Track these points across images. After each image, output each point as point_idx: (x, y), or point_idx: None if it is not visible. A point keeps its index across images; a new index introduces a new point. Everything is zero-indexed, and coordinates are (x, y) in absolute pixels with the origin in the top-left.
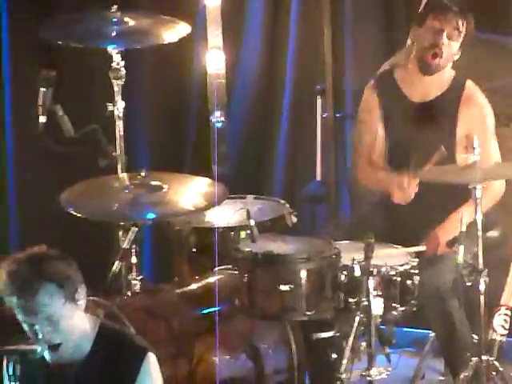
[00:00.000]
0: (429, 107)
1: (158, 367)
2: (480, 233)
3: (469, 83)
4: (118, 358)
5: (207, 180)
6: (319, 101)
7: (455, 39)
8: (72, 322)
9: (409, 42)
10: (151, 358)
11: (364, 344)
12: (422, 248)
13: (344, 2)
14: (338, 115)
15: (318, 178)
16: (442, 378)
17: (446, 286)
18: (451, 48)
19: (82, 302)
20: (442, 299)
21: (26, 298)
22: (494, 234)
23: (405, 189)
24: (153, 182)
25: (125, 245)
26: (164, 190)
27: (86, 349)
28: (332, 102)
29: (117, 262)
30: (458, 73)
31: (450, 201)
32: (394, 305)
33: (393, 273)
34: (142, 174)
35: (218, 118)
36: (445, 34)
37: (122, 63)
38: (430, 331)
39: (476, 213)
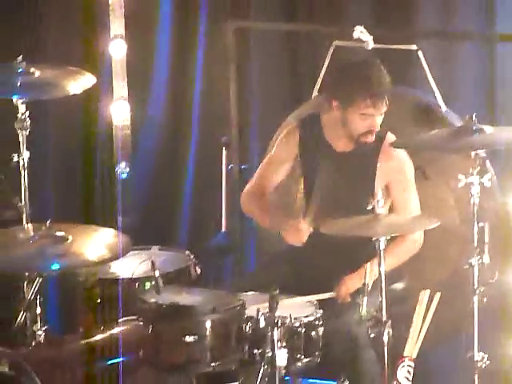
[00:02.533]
0: (349, 157)
1: None
2: (384, 284)
3: (389, 135)
4: None
5: (112, 231)
6: (224, 152)
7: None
8: None
9: (333, 103)
10: None
11: None
12: (328, 295)
13: (250, 55)
14: (243, 167)
15: (224, 229)
16: None
17: (352, 339)
18: (380, 120)
19: None
20: (348, 351)
21: None
22: (398, 286)
23: (299, 231)
24: (57, 233)
25: (29, 295)
26: (69, 240)
27: None
28: (237, 154)
29: (21, 313)
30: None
31: (359, 251)
32: (298, 356)
33: (297, 324)
34: (47, 225)
35: (122, 168)
36: (379, 117)
37: (27, 114)
38: (336, 382)
39: (380, 265)
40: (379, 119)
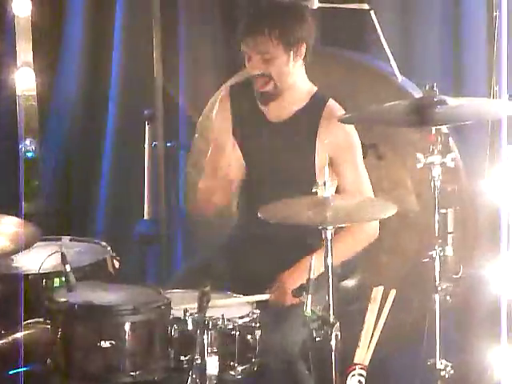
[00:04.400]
0: (284, 127)
1: None
2: (331, 281)
3: (331, 102)
4: None
5: (15, 219)
6: (147, 128)
7: (282, 62)
8: None
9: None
10: None
11: None
12: (265, 296)
13: (178, 19)
14: (169, 144)
15: (146, 216)
16: None
17: (293, 346)
18: (283, 72)
19: None
20: (288, 362)
21: None
22: (349, 282)
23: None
24: None
25: None
26: None
27: None
28: (163, 130)
29: None
30: (319, 89)
31: (303, 243)
32: (232, 363)
33: (231, 326)
34: None
35: (27, 146)
36: (259, 60)
37: None
38: None
39: (327, 257)
40: (278, 66)
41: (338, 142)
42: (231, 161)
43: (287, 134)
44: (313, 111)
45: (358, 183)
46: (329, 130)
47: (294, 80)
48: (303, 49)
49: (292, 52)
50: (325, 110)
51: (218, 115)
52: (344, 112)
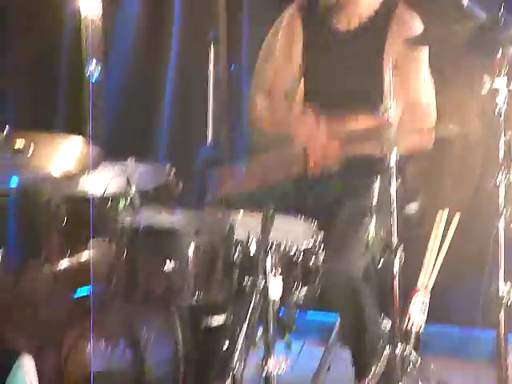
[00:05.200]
0: (353, 36)
1: (34, 371)
2: (395, 205)
3: (402, 7)
4: None
5: (81, 140)
6: (212, 50)
7: None
8: None
9: None
10: (25, 362)
11: (261, 331)
12: None
13: None
14: (233, 68)
15: (210, 140)
16: (351, 370)
17: (356, 271)
18: None
19: None
20: (351, 286)
21: None
22: (412, 206)
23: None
24: (17, 143)
25: None
26: (30, 151)
27: None
28: (226, 53)
29: None
30: None
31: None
32: (294, 287)
33: (294, 250)
34: (5, 133)
35: (93, 68)
36: None
37: None
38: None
39: (391, 183)
40: None
41: (406, 49)
42: (294, 78)
43: (355, 44)
44: (382, 17)
45: (415, 86)
46: (399, 31)
47: None
48: None
49: None
50: (395, 15)
51: (285, 31)
52: (415, 16)
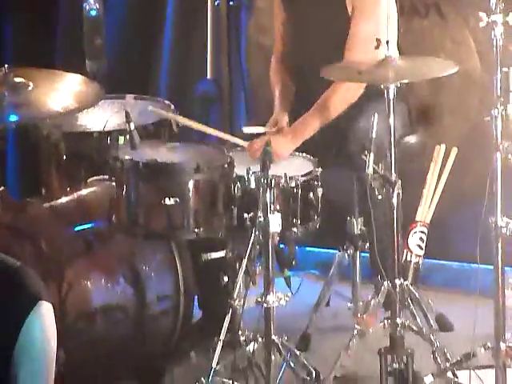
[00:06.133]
0: None
1: (52, 318)
2: (393, 138)
3: None
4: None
5: (80, 77)
6: None
7: None
8: None
9: None
10: (43, 309)
11: (260, 266)
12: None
13: None
14: (231, 3)
15: (209, 75)
16: (350, 305)
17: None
18: None
19: None
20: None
21: None
22: (410, 140)
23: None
24: (16, 79)
25: None
26: (29, 88)
27: None
28: None
29: None
30: None
31: None
32: (294, 221)
33: (293, 184)
34: (5, 69)
35: (91, 5)
36: None
37: None
38: (336, 251)
39: (389, 117)
40: None
41: None
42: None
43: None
44: None
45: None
46: None
47: None
48: None
49: None
50: None
51: None
52: None
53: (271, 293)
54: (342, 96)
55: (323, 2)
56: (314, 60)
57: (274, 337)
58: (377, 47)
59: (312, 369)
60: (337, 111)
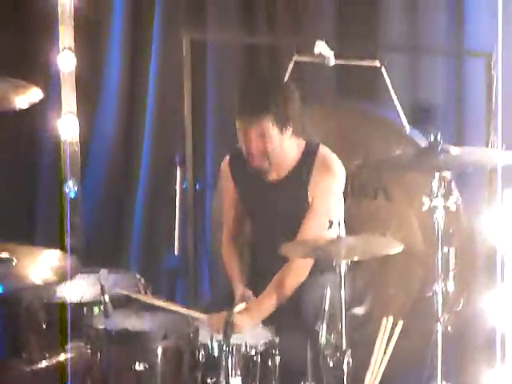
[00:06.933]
0: (283, 184)
1: None
2: (344, 310)
3: (322, 150)
4: None
5: (59, 253)
6: (178, 171)
7: (276, 140)
8: None
9: None
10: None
11: None
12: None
13: (207, 69)
14: (197, 187)
15: (176, 252)
16: None
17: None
18: (276, 148)
19: None
20: None
21: None
22: (359, 311)
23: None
24: (1, 255)
25: None
26: (13, 262)
27: None
28: (192, 173)
29: None
30: (308, 141)
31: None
32: None
33: (253, 352)
34: None
35: (71, 187)
36: (254, 137)
37: None
38: None
39: (340, 289)
40: (272, 144)
41: (323, 182)
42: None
43: (285, 189)
44: (305, 163)
45: (320, 207)
46: (320, 174)
47: (285, 150)
48: (292, 123)
49: (284, 129)
50: (316, 159)
51: (222, 182)
52: (335, 155)
53: None
54: (297, 274)
55: (285, 189)
56: (266, 239)
57: None
58: (330, 227)
59: None
60: (293, 288)
